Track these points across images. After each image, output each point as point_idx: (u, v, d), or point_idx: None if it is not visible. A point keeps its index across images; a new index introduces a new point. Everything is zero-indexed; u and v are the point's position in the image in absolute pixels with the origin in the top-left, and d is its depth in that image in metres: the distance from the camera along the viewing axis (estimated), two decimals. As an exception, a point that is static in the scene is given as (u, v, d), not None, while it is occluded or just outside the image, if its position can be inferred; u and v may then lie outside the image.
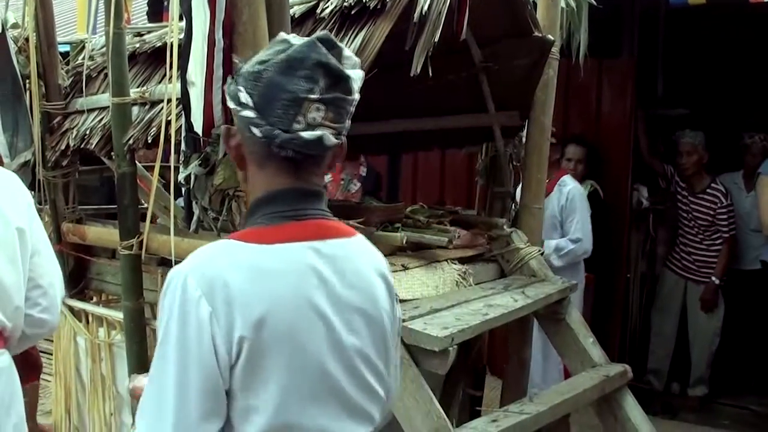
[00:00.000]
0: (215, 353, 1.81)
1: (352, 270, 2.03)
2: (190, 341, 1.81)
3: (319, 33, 1.93)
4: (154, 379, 1.86)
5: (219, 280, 1.83)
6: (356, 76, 1.94)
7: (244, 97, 1.90)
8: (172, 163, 3.16)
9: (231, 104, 1.95)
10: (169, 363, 1.82)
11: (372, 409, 2.06)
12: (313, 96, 1.86)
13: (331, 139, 1.91)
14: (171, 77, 3.20)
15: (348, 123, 1.97)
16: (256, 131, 1.89)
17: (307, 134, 1.87)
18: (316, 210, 2.01)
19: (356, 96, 1.96)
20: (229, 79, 2.02)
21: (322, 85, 1.87)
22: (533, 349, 4.66)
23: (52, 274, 2.97)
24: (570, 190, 6.08)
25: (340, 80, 1.90)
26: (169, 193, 3.31)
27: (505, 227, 4.25)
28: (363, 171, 7.36)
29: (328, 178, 6.85)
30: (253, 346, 1.82)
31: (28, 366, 5.07)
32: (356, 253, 2.09)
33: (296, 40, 1.92)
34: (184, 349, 1.81)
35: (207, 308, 1.81)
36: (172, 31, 3.26)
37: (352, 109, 1.97)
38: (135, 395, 2.81)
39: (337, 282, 1.97)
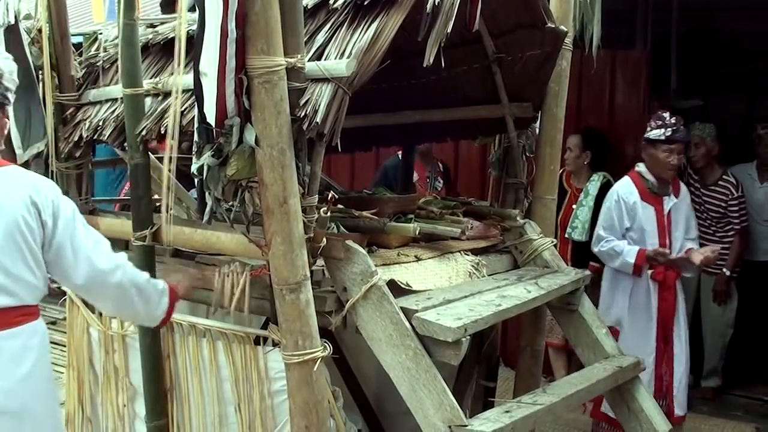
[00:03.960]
0: None
1: None
2: None
3: None
4: None
5: None
6: (4, 65, 3.09)
7: None
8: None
9: None
10: None
11: (15, 288, 2.98)
12: None
13: None
14: (179, 68, 3.19)
15: (6, 94, 3.08)
16: None
17: None
18: None
19: (4, 77, 3.06)
20: None
21: None
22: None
23: None
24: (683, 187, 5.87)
25: None
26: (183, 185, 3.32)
27: (518, 218, 4.25)
28: (440, 167, 7.47)
29: (415, 176, 6.94)
30: None
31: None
32: (3, 179, 3.01)
33: None
34: None
35: None
36: (180, 23, 3.25)
37: (8, 84, 3.08)
38: None
39: None
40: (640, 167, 5.61)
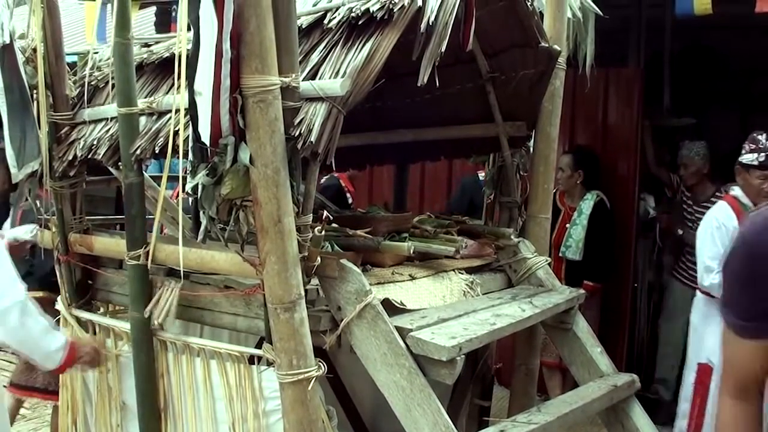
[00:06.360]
0: None
1: None
2: None
3: None
4: None
5: None
6: None
7: None
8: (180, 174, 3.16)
9: None
10: None
11: None
12: None
13: None
14: (179, 87, 3.20)
15: None
16: None
17: None
18: None
19: None
20: None
21: None
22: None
23: None
24: None
25: None
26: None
27: (512, 237, 4.25)
28: None
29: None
30: None
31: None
32: None
33: None
34: None
35: None
36: (180, 41, 3.26)
37: None
38: None
39: None
40: (736, 191, 5.33)
